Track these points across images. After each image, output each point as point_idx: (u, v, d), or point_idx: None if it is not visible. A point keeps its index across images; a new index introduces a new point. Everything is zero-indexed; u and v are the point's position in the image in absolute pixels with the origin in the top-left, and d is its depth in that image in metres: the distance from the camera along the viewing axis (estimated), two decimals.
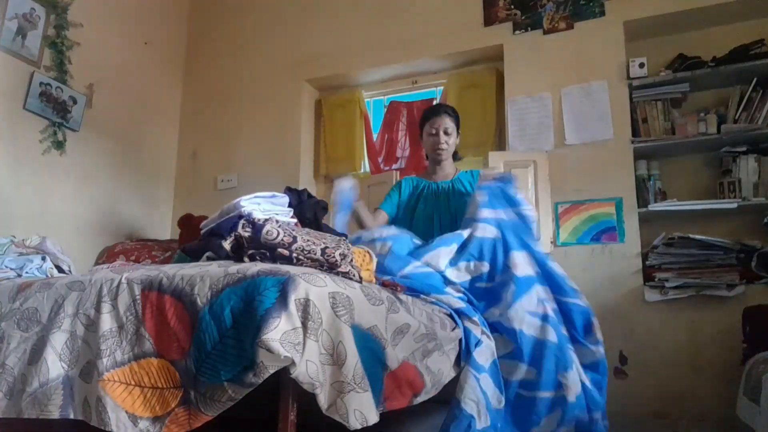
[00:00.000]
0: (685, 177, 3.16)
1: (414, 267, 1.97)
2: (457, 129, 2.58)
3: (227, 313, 1.17)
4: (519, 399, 1.83)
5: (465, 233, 2.11)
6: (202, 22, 4.45)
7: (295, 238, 1.39)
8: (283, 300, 1.12)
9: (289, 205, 1.84)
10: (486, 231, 2.09)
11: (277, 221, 1.46)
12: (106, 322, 1.30)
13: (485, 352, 1.78)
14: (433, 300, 1.83)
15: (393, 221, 2.58)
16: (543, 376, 1.82)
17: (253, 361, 1.10)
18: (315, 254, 1.38)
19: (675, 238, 2.85)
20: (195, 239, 1.79)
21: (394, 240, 2.09)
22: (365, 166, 3.94)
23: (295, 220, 1.80)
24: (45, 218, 3.24)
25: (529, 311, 1.91)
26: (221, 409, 1.14)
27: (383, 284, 1.64)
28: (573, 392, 1.82)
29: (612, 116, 3.15)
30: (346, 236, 1.70)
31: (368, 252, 1.64)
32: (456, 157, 2.67)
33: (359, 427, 1.15)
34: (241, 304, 1.16)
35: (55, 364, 1.31)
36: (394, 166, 3.80)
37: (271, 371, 1.09)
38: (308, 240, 1.40)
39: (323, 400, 1.14)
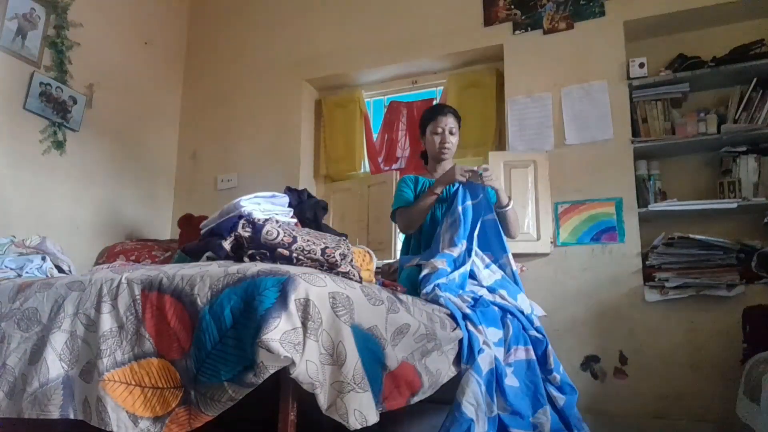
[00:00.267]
0: (685, 177, 3.16)
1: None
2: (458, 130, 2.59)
3: (227, 313, 1.17)
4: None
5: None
6: (202, 22, 4.45)
7: (295, 238, 1.39)
8: (283, 300, 1.12)
9: (289, 205, 1.85)
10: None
11: (277, 221, 1.46)
12: (106, 322, 1.30)
13: (486, 359, 1.79)
14: (443, 299, 1.84)
15: None
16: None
17: (253, 361, 1.10)
18: (315, 254, 1.38)
19: (675, 238, 2.85)
20: (195, 239, 1.79)
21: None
22: (365, 166, 3.94)
23: (295, 220, 1.80)
24: (45, 218, 3.24)
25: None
26: (221, 409, 1.14)
27: (383, 284, 1.64)
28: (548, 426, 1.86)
29: (612, 116, 3.15)
30: (346, 236, 1.70)
31: (368, 252, 1.65)
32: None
33: (359, 427, 1.15)
34: (241, 304, 1.16)
35: (55, 364, 1.32)
36: (394, 166, 3.80)
37: (271, 371, 1.10)
38: (308, 240, 1.40)
39: (323, 400, 1.14)
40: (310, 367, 1.11)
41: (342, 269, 1.40)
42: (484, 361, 1.77)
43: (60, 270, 2.15)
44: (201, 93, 4.32)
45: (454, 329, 1.76)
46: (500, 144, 3.49)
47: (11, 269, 1.97)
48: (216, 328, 1.17)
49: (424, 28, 3.67)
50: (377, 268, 2.41)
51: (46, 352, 1.32)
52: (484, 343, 1.82)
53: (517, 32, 3.45)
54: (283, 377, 1.14)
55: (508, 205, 2.43)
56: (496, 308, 2.04)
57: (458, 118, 2.58)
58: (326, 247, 1.39)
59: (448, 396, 1.69)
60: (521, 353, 1.96)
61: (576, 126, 3.22)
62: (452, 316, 1.80)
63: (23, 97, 3.16)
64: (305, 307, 1.14)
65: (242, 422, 1.51)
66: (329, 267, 1.38)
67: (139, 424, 1.19)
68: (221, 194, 3.96)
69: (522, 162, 3.20)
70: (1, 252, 2.13)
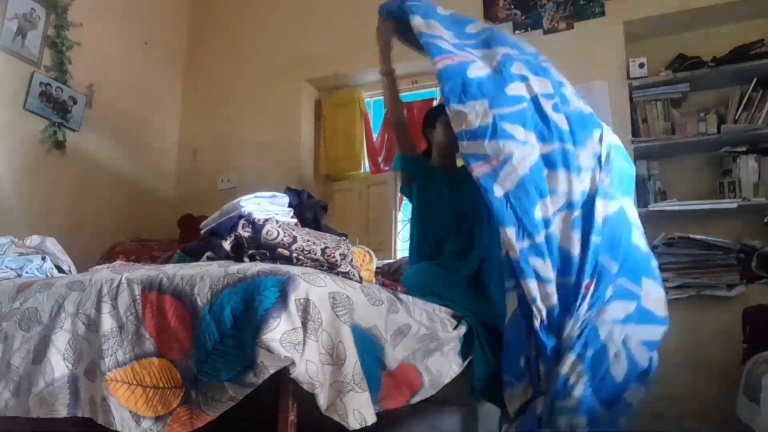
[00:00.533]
0: (685, 177, 3.15)
1: None
2: None
3: (227, 313, 1.17)
4: None
5: None
6: (202, 22, 4.44)
7: (295, 238, 1.39)
8: (283, 300, 1.12)
9: (289, 205, 1.85)
10: None
11: (277, 221, 1.46)
12: (107, 322, 1.30)
13: None
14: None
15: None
16: None
17: (253, 361, 1.10)
18: (315, 254, 1.38)
19: (675, 238, 2.84)
20: (195, 239, 1.79)
21: None
22: (365, 166, 3.94)
23: (295, 220, 1.80)
24: (45, 218, 3.24)
25: None
26: (222, 408, 1.14)
27: (383, 284, 1.64)
28: None
29: (612, 116, 3.14)
30: (346, 236, 1.70)
31: (368, 252, 1.65)
32: None
33: (358, 427, 1.15)
34: (241, 304, 1.16)
35: (59, 364, 1.32)
36: None
37: (272, 371, 1.10)
38: (308, 240, 1.40)
39: (323, 400, 1.14)
40: (310, 367, 1.11)
41: (342, 269, 1.40)
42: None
43: (60, 270, 2.14)
44: (201, 93, 4.31)
45: (455, 327, 1.75)
46: None
47: (11, 269, 1.97)
48: (216, 328, 1.17)
49: None
50: (377, 268, 2.40)
51: (49, 352, 1.33)
52: None
53: (517, 32, 3.44)
54: (283, 377, 1.14)
55: None
56: None
57: None
58: (326, 247, 1.39)
59: (448, 396, 1.69)
60: None
61: None
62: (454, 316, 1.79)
63: (23, 97, 3.16)
64: (305, 307, 1.14)
65: (243, 422, 1.51)
66: (329, 267, 1.38)
67: (142, 424, 1.19)
68: (221, 194, 3.95)
69: None
70: (1, 252, 2.13)
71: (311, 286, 1.17)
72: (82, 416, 1.28)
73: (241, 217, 1.57)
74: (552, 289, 1.75)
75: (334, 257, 1.38)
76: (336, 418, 1.14)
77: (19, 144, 3.15)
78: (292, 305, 1.12)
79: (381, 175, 3.79)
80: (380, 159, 3.85)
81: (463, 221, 2.35)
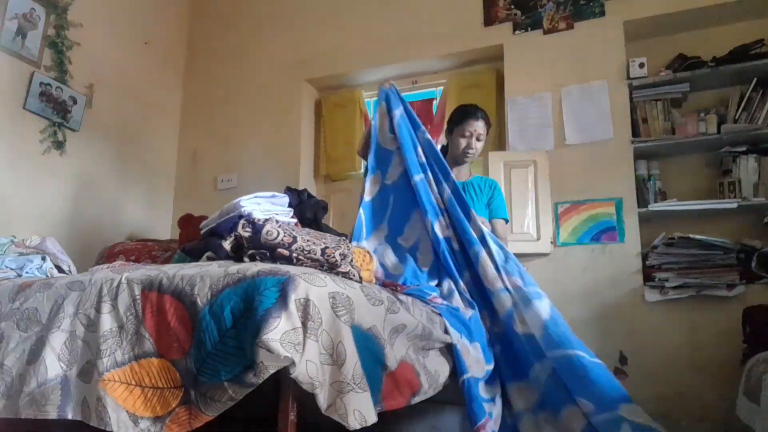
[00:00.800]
0: (685, 177, 3.16)
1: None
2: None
3: (227, 313, 1.17)
4: None
5: None
6: (202, 22, 4.44)
7: (295, 238, 1.39)
8: (283, 300, 1.12)
9: (289, 205, 1.85)
10: None
11: (277, 221, 1.47)
12: (106, 322, 1.30)
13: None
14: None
15: None
16: None
17: (253, 361, 1.10)
18: (315, 254, 1.38)
19: (675, 238, 2.85)
20: (195, 239, 1.79)
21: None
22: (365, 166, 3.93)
23: (295, 220, 1.80)
24: (45, 218, 3.24)
25: None
26: (222, 409, 1.14)
27: (383, 284, 1.64)
28: None
29: (612, 116, 3.15)
30: (346, 236, 1.70)
31: (368, 252, 1.65)
32: None
33: (358, 427, 1.15)
34: (241, 304, 1.16)
35: (53, 364, 1.32)
36: None
37: (271, 371, 1.10)
38: (308, 240, 1.40)
39: (323, 400, 1.14)
40: (310, 367, 1.11)
41: (342, 269, 1.40)
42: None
43: (60, 270, 2.14)
44: (201, 93, 4.31)
45: (446, 331, 1.76)
46: (500, 144, 3.49)
47: (11, 269, 1.97)
48: (216, 328, 1.17)
49: (424, 28, 3.67)
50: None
51: (44, 352, 1.32)
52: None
53: (517, 32, 3.45)
54: (283, 377, 1.14)
55: None
56: None
57: (489, 124, 2.57)
58: (326, 247, 1.39)
59: (448, 396, 1.69)
60: None
61: (576, 126, 3.22)
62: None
63: (23, 97, 3.16)
64: (305, 307, 1.14)
65: (242, 422, 1.51)
66: (329, 267, 1.38)
67: (140, 424, 1.19)
68: (221, 194, 3.96)
69: (522, 162, 3.20)
70: (1, 252, 2.13)
71: (311, 286, 1.17)
72: (72, 419, 1.27)
73: (241, 217, 1.57)
74: None
75: (334, 257, 1.38)
76: (336, 418, 1.14)
77: (19, 144, 3.15)
78: (292, 305, 1.12)
79: None
80: None
81: None
